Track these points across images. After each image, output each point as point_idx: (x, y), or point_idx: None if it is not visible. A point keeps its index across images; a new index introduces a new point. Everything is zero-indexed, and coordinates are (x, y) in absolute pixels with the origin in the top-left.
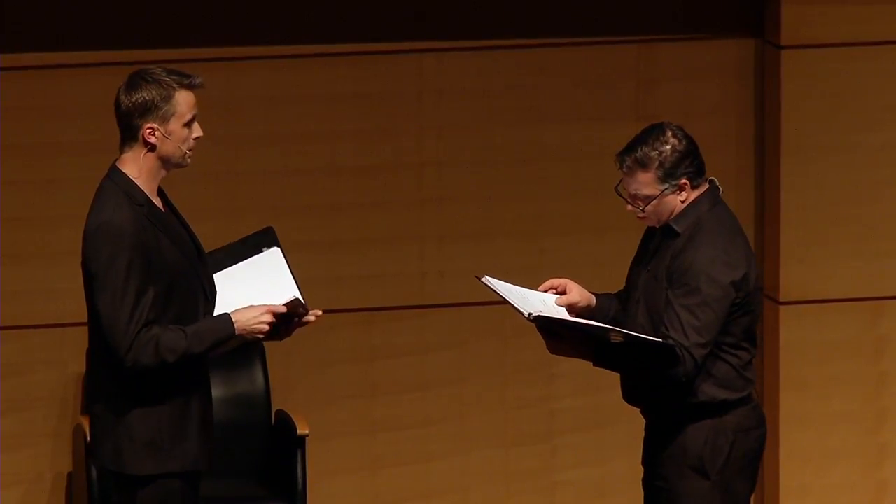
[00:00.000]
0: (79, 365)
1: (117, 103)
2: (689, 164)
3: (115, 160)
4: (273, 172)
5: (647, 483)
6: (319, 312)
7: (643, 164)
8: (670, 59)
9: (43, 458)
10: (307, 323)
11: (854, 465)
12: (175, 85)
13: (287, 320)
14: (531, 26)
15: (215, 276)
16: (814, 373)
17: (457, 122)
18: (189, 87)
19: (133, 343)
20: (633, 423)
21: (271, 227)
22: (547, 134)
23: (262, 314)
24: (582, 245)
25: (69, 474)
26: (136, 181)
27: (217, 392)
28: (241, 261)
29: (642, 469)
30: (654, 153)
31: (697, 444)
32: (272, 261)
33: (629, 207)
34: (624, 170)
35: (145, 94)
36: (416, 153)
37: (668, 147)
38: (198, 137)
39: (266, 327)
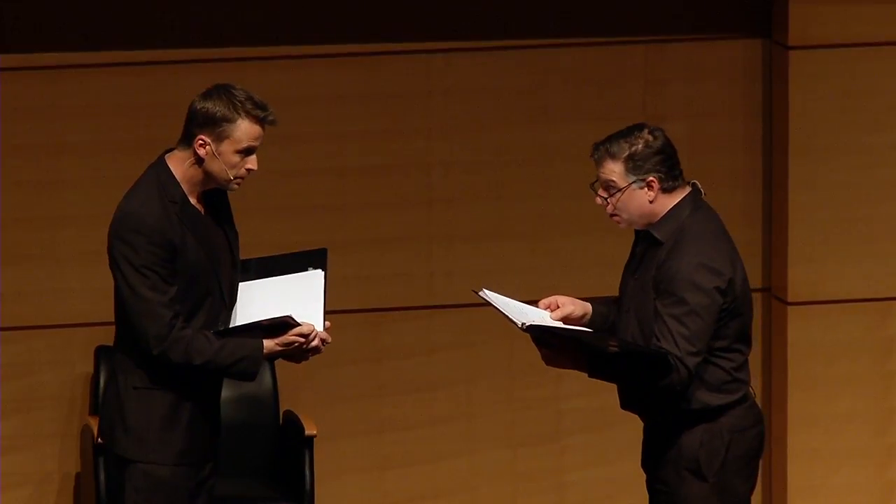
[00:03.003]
0: (86, 365)
1: (191, 103)
2: (659, 162)
3: (167, 151)
4: (281, 173)
5: (649, 486)
6: (324, 336)
7: (612, 154)
8: (678, 60)
9: (50, 458)
10: (314, 348)
11: (862, 466)
12: (242, 111)
13: (273, 334)
14: (539, 27)
15: (255, 282)
16: (822, 373)
17: (465, 123)
18: (258, 121)
19: (168, 335)
20: (640, 423)
21: (325, 250)
22: (555, 134)
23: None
24: (590, 245)
25: (77, 475)
26: (178, 179)
27: (225, 393)
28: (285, 273)
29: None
30: (625, 144)
31: (693, 446)
32: (311, 282)
33: (598, 201)
34: (595, 158)
35: (211, 106)
36: (424, 153)
37: (641, 142)
38: (251, 170)
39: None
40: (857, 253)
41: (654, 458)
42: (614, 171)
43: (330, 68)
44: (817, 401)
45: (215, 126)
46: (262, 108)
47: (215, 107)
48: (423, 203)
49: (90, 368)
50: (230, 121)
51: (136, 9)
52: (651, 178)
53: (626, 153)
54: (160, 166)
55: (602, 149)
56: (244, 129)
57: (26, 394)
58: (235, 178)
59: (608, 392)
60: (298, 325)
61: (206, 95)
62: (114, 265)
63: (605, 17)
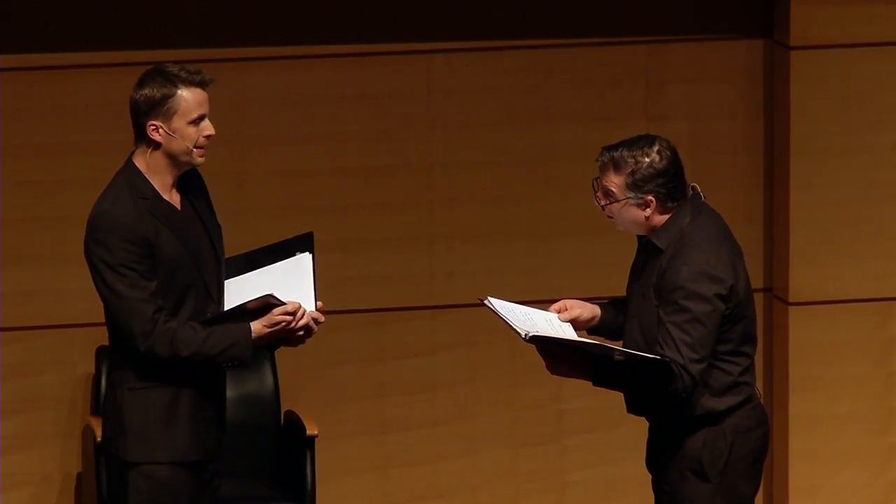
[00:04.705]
0: (88, 366)
1: (130, 98)
2: (660, 184)
3: (132, 152)
4: (281, 173)
5: (655, 487)
6: (315, 315)
7: (616, 165)
8: (679, 60)
9: (52, 458)
10: (305, 328)
11: (863, 467)
12: (178, 82)
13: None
14: (540, 27)
15: (246, 275)
16: (823, 373)
17: (466, 123)
18: (197, 85)
19: (153, 331)
20: (642, 423)
21: (311, 233)
22: (556, 134)
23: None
24: (591, 246)
25: (78, 475)
26: (147, 175)
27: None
28: (274, 262)
29: (648, 472)
30: (630, 159)
31: (696, 446)
32: (300, 266)
33: (596, 201)
34: (599, 163)
35: (148, 91)
36: (425, 154)
37: (647, 160)
38: (209, 136)
39: (285, 319)
40: (858, 253)
41: (659, 459)
42: (614, 182)
43: (330, 68)
44: (818, 401)
45: (160, 106)
46: (197, 72)
47: (153, 89)
48: (423, 203)
49: (91, 369)
50: (171, 95)
51: (136, 9)
52: (649, 198)
53: (630, 169)
54: (128, 167)
55: (608, 156)
56: (188, 98)
57: (27, 394)
58: (196, 147)
59: (609, 393)
60: (283, 304)
61: (141, 83)
62: (91, 268)
63: (606, 18)
